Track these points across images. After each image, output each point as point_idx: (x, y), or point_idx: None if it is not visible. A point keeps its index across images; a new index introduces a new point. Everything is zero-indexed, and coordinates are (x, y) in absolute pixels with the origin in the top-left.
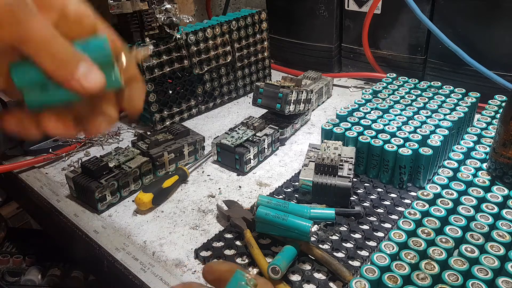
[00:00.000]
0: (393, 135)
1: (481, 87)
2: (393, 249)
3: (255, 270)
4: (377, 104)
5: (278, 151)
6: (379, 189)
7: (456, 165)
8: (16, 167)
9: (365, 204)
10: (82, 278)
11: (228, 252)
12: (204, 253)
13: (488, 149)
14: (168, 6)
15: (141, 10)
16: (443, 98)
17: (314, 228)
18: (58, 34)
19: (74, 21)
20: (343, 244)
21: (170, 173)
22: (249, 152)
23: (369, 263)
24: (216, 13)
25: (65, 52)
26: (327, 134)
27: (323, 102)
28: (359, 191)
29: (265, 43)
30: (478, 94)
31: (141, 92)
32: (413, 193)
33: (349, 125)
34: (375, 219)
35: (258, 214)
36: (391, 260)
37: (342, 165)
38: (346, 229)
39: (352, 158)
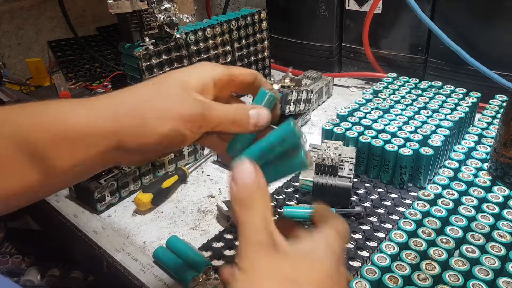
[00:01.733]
0: (393, 135)
1: (482, 87)
2: (393, 249)
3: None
4: (378, 104)
5: None
6: (379, 189)
7: (457, 165)
8: None
9: (365, 204)
10: (82, 278)
11: (228, 252)
12: (204, 254)
13: (489, 149)
14: (168, 5)
15: (140, 9)
16: (444, 98)
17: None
18: (226, 109)
19: (239, 83)
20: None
21: (169, 173)
22: None
23: (369, 264)
24: (216, 13)
25: (234, 114)
26: (327, 134)
27: (323, 102)
28: (359, 191)
29: (265, 42)
30: (479, 94)
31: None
32: (413, 193)
33: (350, 125)
34: (376, 219)
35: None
36: (391, 260)
37: (343, 165)
38: None
39: (352, 158)
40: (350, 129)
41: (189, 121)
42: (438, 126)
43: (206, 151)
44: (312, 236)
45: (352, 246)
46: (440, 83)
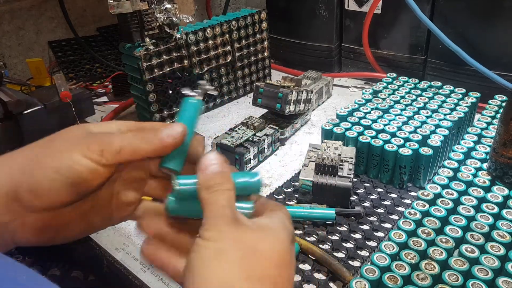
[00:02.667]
0: (393, 135)
1: (481, 87)
2: (393, 249)
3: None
4: (377, 104)
5: (278, 151)
6: (379, 189)
7: (456, 165)
8: None
9: (365, 204)
10: (82, 278)
11: None
12: None
13: (488, 149)
14: (168, 6)
15: (141, 10)
16: (443, 98)
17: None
18: (133, 132)
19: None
20: (343, 244)
21: None
22: (249, 152)
23: (369, 263)
24: (216, 13)
25: (146, 137)
26: (327, 134)
27: (323, 102)
28: (359, 191)
29: (265, 43)
30: (478, 94)
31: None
32: (413, 193)
33: (349, 125)
34: (375, 219)
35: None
36: (391, 260)
37: (342, 165)
38: (346, 229)
39: (352, 158)
40: (349, 129)
41: (85, 145)
42: (437, 126)
43: (206, 151)
44: (269, 214)
45: (352, 245)
46: (439, 83)
